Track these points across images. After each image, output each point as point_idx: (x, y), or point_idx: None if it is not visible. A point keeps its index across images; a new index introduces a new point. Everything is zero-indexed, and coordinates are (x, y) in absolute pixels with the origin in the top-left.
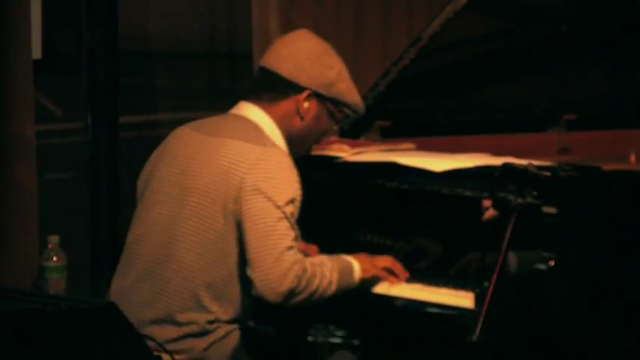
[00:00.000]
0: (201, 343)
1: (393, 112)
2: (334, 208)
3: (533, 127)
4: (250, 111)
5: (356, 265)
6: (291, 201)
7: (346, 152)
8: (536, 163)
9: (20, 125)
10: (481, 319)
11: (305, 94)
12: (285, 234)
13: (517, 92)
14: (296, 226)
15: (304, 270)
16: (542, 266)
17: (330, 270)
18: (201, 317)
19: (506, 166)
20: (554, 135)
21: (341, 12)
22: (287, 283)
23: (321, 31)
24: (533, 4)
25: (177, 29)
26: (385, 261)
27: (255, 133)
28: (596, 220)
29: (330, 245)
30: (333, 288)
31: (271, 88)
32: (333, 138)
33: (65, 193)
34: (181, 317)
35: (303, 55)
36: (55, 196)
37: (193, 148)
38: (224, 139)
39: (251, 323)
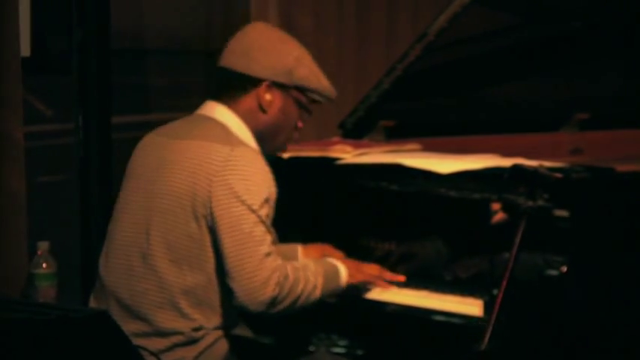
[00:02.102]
0: (190, 353)
1: (397, 112)
2: (337, 211)
3: (544, 126)
4: (216, 110)
5: (342, 269)
6: (266, 201)
7: (349, 153)
8: (547, 164)
9: (8, 126)
10: (490, 328)
11: (264, 85)
12: (262, 239)
13: (527, 90)
14: (272, 229)
15: (285, 276)
16: (554, 272)
17: (315, 274)
18: (185, 325)
19: (516, 168)
20: (566, 135)
21: (343, 8)
22: (269, 292)
23: (322, 28)
24: None
25: (172, 26)
26: (372, 268)
27: (221, 133)
28: (610, 223)
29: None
30: (317, 293)
31: (231, 86)
32: (336, 138)
33: (55, 196)
34: (165, 328)
35: (256, 46)
36: (45, 200)
37: (160, 153)
38: (190, 141)
39: (250, 334)
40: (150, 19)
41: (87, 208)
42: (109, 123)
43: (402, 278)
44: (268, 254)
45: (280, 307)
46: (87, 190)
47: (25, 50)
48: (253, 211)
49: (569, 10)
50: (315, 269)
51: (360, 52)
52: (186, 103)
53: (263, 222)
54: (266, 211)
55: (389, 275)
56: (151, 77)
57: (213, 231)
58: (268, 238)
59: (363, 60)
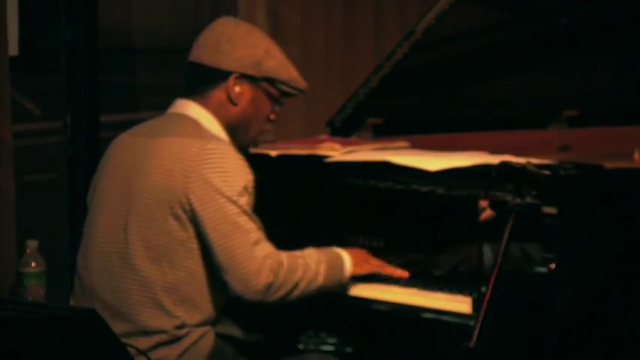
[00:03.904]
0: (174, 351)
1: (385, 109)
2: (325, 209)
3: (532, 123)
4: (187, 107)
5: (347, 258)
6: (244, 189)
7: (337, 151)
8: (535, 161)
9: None
10: (478, 325)
11: (232, 78)
12: (247, 228)
13: (515, 87)
14: (255, 216)
15: (280, 263)
16: (542, 269)
17: (317, 262)
18: (168, 323)
19: (503, 165)
20: (554, 132)
21: (331, 6)
22: (263, 279)
23: (310, 26)
24: None
25: (159, 24)
26: (379, 262)
27: (193, 129)
28: (599, 220)
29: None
30: (320, 280)
31: (200, 81)
32: (324, 136)
33: (44, 195)
34: (149, 326)
35: (224, 39)
36: (34, 198)
37: (133, 153)
38: (163, 138)
39: (237, 332)
40: (138, 18)
41: (75, 207)
42: (97, 121)
43: (405, 274)
44: (257, 242)
45: (278, 294)
46: (75, 188)
47: (13, 49)
48: (234, 202)
49: (556, 7)
50: (318, 257)
51: (348, 50)
52: (172, 101)
53: (245, 211)
54: (246, 200)
55: (393, 271)
56: (139, 76)
57: (196, 226)
58: (253, 226)
59: (351, 58)
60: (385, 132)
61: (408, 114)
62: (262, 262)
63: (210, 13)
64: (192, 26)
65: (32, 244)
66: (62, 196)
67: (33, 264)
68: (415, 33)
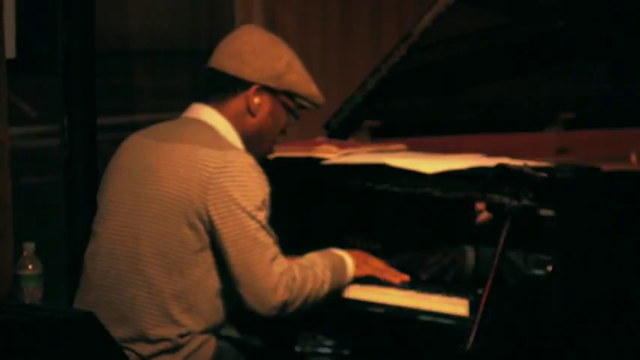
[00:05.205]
0: (175, 358)
1: (382, 112)
2: (322, 212)
3: (529, 126)
4: (203, 112)
5: (349, 261)
6: (263, 204)
7: (334, 153)
8: (531, 163)
9: None
10: (475, 327)
11: (253, 89)
12: (266, 244)
13: (513, 90)
14: (271, 229)
15: (294, 279)
16: (539, 271)
17: (322, 269)
18: (173, 331)
19: (500, 167)
20: (551, 134)
21: (328, 7)
22: (279, 296)
23: (306, 28)
24: None
25: (156, 26)
26: (380, 263)
27: (210, 136)
28: (596, 223)
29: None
30: (326, 287)
31: (220, 88)
32: (321, 138)
33: (41, 198)
34: (153, 334)
35: (248, 49)
36: (31, 201)
37: (146, 155)
38: (178, 144)
39: (237, 334)
40: (135, 20)
41: (72, 210)
42: (95, 124)
43: (406, 277)
44: (274, 258)
45: (291, 308)
46: (72, 191)
47: (10, 52)
48: (253, 217)
49: (553, 9)
50: (323, 263)
51: (345, 52)
52: (171, 104)
53: (264, 226)
54: (264, 214)
55: (394, 273)
56: (136, 78)
57: (212, 238)
58: (270, 241)
59: (347, 60)
60: (382, 134)
61: (405, 116)
62: (279, 279)
63: (207, 15)
64: (189, 28)
65: (29, 247)
66: (59, 198)
67: (30, 266)
68: (412, 35)
